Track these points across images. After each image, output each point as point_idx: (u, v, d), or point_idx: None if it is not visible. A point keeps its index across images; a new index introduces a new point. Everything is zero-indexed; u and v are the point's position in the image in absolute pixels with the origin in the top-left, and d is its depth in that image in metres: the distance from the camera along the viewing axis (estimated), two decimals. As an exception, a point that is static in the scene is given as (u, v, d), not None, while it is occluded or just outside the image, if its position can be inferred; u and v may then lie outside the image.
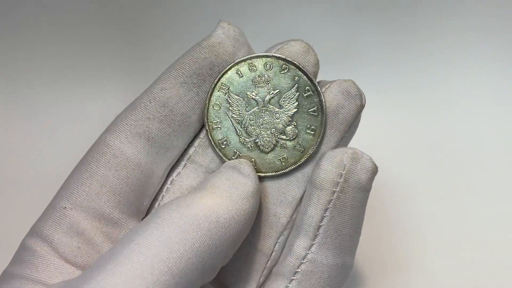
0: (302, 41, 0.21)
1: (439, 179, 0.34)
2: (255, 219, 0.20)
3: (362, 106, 0.21)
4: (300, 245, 0.20)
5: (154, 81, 0.21)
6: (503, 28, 0.37)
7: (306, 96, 0.21)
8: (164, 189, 0.21)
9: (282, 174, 0.21)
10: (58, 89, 0.37)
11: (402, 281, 0.30)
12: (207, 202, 0.18)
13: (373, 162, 0.20)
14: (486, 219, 0.32)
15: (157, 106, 0.20)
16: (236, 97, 0.21)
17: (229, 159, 0.21)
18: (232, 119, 0.21)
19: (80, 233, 0.19)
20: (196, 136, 0.22)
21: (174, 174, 0.21)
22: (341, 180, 0.20)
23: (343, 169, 0.20)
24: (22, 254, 0.19)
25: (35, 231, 0.19)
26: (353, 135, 0.22)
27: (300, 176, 0.21)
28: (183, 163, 0.21)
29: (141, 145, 0.20)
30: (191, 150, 0.21)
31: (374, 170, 0.20)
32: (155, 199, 0.21)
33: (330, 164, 0.20)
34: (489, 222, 0.32)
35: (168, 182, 0.21)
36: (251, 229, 0.20)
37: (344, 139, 0.22)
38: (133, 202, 0.20)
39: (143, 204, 0.21)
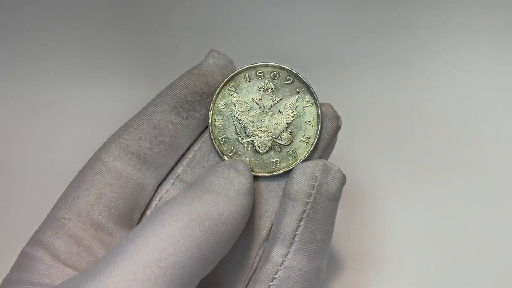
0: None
1: (416, 176, 0.34)
2: (240, 234, 0.21)
3: (338, 128, 0.23)
4: (277, 252, 0.22)
5: (147, 103, 0.22)
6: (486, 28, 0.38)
7: (305, 107, 0.23)
8: (153, 206, 0.23)
9: (272, 176, 0.23)
10: (61, 85, 0.37)
11: (380, 278, 0.30)
12: (207, 200, 0.19)
13: (341, 172, 0.22)
14: (464, 217, 0.32)
15: (149, 128, 0.22)
16: (241, 99, 0.23)
17: (225, 155, 0.22)
18: (234, 119, 0.23)
19: (79, 241, 0.20)
20: (184, 155, 0.23)
21: (163, 191, 0.23)
22: (314, 191, 0.21)
23: (315, 180, 0.21)
24: (23, 261, 0.20)
25: (35, 240, 0.20)
26: (330, 154, 0.24)
27: (278, 190, 0.23)
28: (171, 181, 0.23)
29: (133, 162, 0.22)
30: (180, 169, 0.23)
31: (343, 180, 0.22)
32: (144, 212, 0.23)
33: (303, 177, 0.21)
34: (467, 220, 0.32)
35: (157, 199, 0.23)
36: (235, 243, 0.20)
37: (322, 158, 0.23)
38: (125, 214, 0.21)
39: (134, 216, 0.22)
